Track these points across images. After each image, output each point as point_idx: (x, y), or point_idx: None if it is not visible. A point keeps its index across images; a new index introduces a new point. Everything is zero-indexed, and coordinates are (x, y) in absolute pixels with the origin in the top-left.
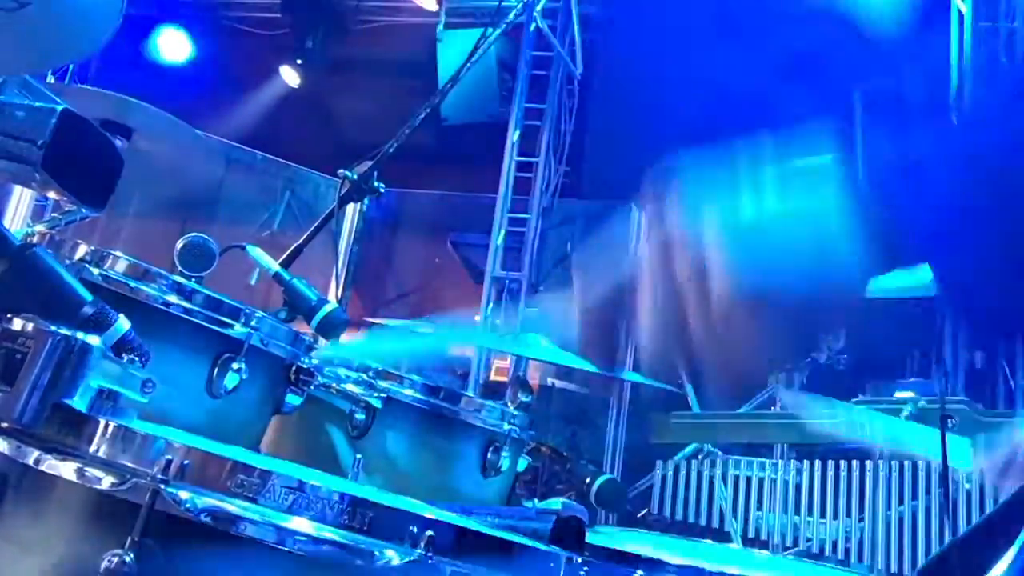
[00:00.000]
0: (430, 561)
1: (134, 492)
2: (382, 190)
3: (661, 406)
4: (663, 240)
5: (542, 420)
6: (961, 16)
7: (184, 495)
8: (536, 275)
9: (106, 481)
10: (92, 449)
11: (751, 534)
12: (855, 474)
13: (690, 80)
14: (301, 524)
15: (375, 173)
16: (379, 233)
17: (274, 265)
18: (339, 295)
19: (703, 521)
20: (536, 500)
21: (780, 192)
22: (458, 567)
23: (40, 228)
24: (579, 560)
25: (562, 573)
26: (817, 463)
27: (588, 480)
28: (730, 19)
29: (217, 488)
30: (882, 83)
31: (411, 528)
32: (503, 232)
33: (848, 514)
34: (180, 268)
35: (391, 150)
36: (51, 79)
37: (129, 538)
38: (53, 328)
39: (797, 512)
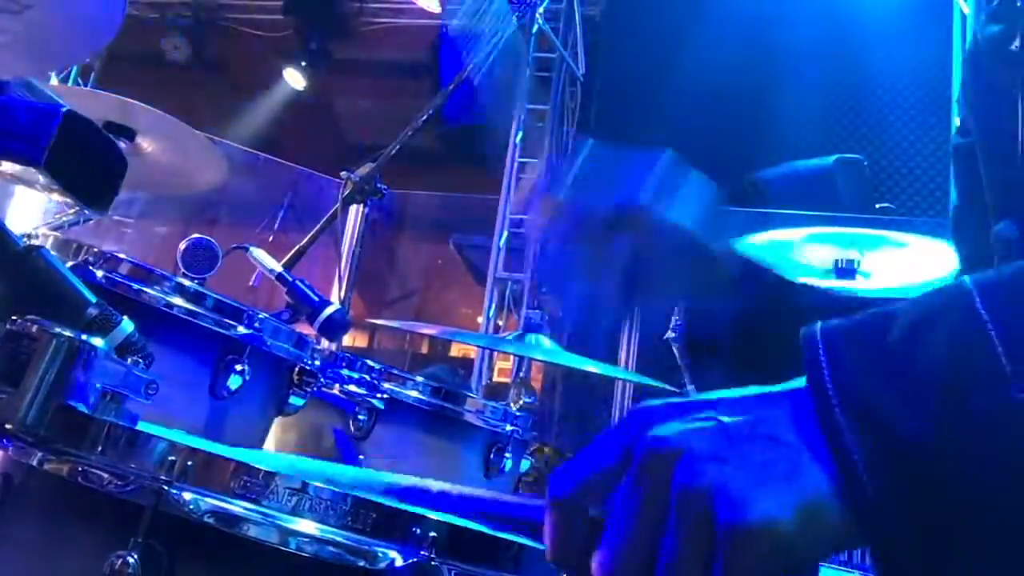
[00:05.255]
0: (433, 562)
1: (138, 494)
2: (385, 191)
3: None
4: None
5: (545, 421)
6: (964, 17)
7: (188, 496)
8: (539, 277)
9: (110, 483)
10: (96, 451)
11: None
12: None
13: (693, 81)
14: (304, 525)
15: (378, 174)
16: (382, 234)
17: (277, 266)
18: (342, 296)
19: None
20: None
21: None
22: (461, 568)
23: (44, 230)
24: None
25: (565, 575)
26: None
27: None
28: (733, 20)
29: (220, 489)
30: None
31: (414, 529)
32: (506, 233)
33: None
34: (183, 270)
35: (394, 151)
36: (54, 81)
37: (132, 539)
38: (57, 330)
39: None
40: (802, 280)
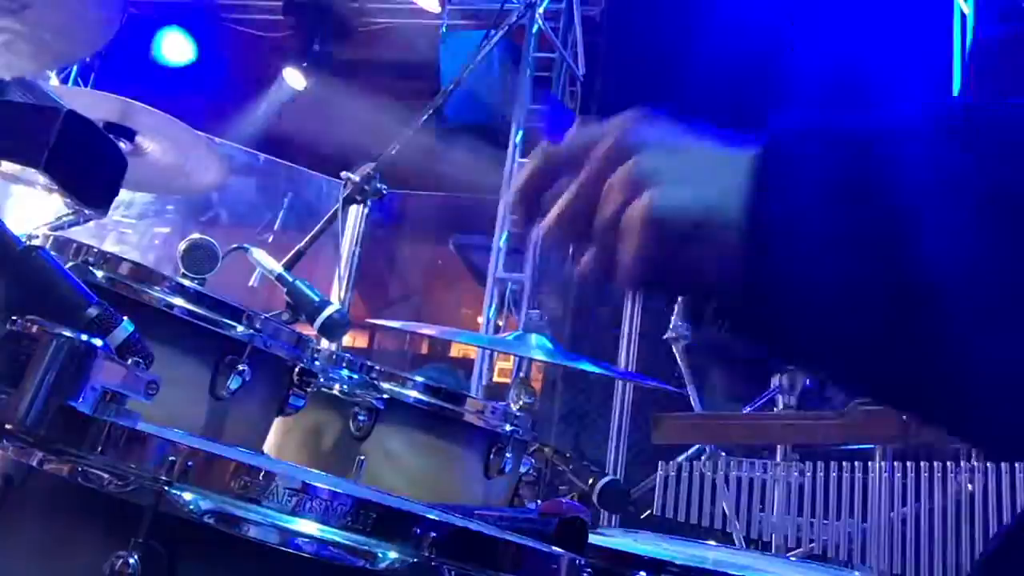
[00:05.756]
0: (433, 563)
1: (138, 494)
2: (384, 192)
3: (663, 407)
4: None
5: (545, 421)
6: (964, 17)
7: (188, 496)
8: (539, 277)
9: (110, 483)
10: (96, 451)
11: (754, 536)
12: (858, 475)
13: (693, 81)
14: (304, 526)
15: (378, 174)
16: (381, 235)
17: (277, 267)
18: (342, 297)
19: (705, 522)
20: (539, 501)
21: None
22: (461, 568)
23: (44, 230)
24: (582, 562)
25: (565, 575)
26: (820, 464)
27: (591, 481)
28: (733, 20)
29: (221, 490)
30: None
31: (414, 529)
32: (506, 234)
33: (851, 515)
34: (183, 270)
35: (393, 152)
36: (54, 81)
37: (132, 539)
38: (57, 330)
39: (800, 513)
40: None
